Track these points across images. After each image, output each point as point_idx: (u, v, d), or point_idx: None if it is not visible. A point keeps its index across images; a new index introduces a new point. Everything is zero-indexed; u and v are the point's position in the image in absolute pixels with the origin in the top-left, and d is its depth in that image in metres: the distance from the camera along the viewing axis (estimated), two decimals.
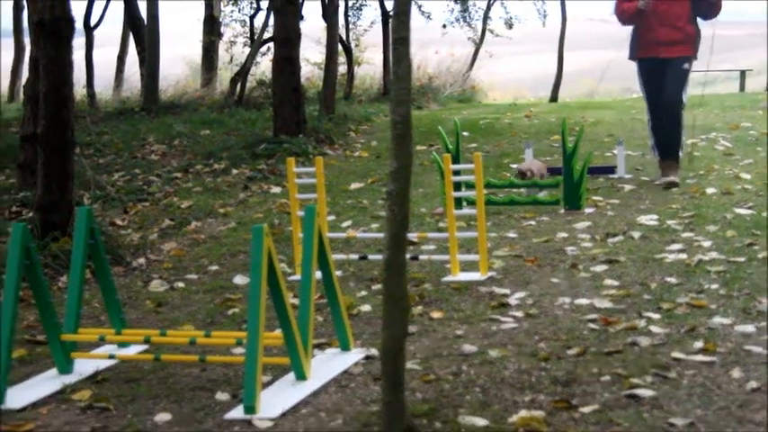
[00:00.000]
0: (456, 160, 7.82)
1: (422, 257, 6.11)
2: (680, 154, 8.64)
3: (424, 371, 4.07)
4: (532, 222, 7.43)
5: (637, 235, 6.61)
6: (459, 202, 7.73)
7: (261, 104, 17.18)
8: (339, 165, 11.06)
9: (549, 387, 3.80)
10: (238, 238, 7.30)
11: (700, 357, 4.07)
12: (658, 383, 3.78)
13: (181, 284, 5.94)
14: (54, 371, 4.26)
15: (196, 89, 20.70)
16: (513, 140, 12.39)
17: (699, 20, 8.58)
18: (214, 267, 6.41)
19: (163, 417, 3.70)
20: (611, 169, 9.06)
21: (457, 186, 6.56)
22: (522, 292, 5.34)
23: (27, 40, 17.02)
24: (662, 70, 8.46)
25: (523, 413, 3.46)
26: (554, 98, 21.62)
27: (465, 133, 12.19)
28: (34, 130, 8.14)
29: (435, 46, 23.36)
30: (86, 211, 4.45)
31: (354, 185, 9.56)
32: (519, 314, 4.90)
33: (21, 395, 3.97)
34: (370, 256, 6.08)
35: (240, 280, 5.94)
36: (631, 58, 8.61)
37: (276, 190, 9.56)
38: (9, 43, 24.38)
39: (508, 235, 7.01)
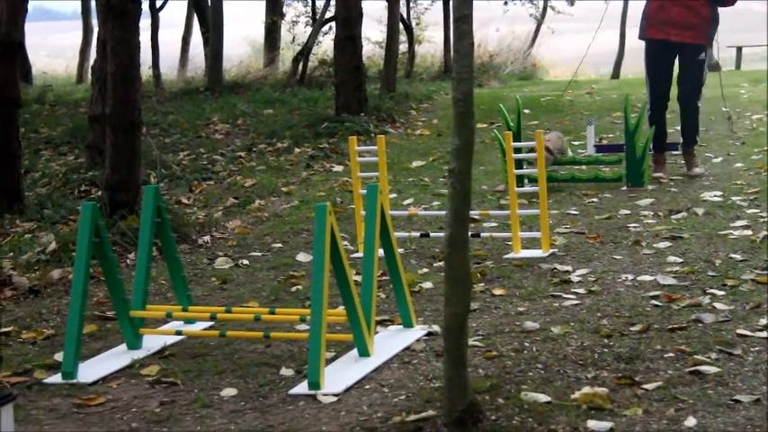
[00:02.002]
0: (517, 138, 7.79)
1: (483, 235, 6.11)
2: (697, 141, 8.11)
3: (487, 347, 4.09)
4: (594, 199, 7.38)
5: (701, 211, 6.55)
6: (520, 180, 7.71)
7: (323, 83, 17.24)
8: (400, 143, 11.08)
9: (612, 364, 3.80)
10: (301, 216, 7.37)
11: (765, 334, 4.03)
12: (723, 360, 3.76)
13: (245, 262, 6.02)
14: (123, 346, 4.35)
15: (259, 69, 20.83)
16: (574, 118, 12.30)
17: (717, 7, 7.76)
18: (278, 245, 6.48)
19: (228, 392, 3.77)
20: (674, 146, 8.96)
21: (518, 164, 6.55)
22: (585, 268, 5.32)
23: (95, 22, 17.25)
24: (670, 56, 7.75)
25: (586, 390, 3.46)
26: (616, 75, 21.38)
27: (526, 111, 12.13)
28: (102, 110, 8.28)
29: (496, 23, 23.21)
30: (153, 189, 4.53)
31: (416, 163, 9.58)
32: (581, 291, 4.89)
33: (92, 370, 4.07)
34: (432, 234, 6.10)
35: (303, 257, 6.00)
36: (640, 37, 7.86)
37: (338, 168, 9.62)
38: (78, 25, 24.74)
39: (570, 212, 6.98)
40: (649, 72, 7.83)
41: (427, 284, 5.21)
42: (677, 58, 7.76)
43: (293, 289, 5.29)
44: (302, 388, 3.75)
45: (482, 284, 5.10)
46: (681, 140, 8.09)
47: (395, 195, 7.80)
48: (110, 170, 6.75)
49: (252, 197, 8.22)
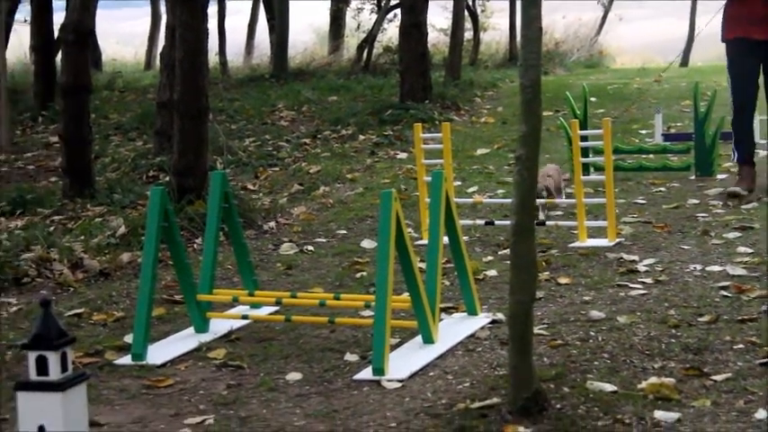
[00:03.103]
0: (584, 126, 7.73)
1: (549, 223, 6.08)
2: None
3: (552, 336, 4.07)
4: (662, 189, 7.30)
5: None
6: (586, 168, 7.65)
7: (387, 71, 17.26)
8: (465, 130, 11.05)
9: (680, 354, 3.76)
10: (366, 202, 7.39)
11: None
12: None
13: (310, 248, 6.06)
14: (191, 329, 4.41)
15: (323, 56, 20.92)
16: (642, 106, 12.16)
17: None
18: (342, 231, 6.52)
19: (294, 376, 3.80)
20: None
21: (584, 152, 6.50)
22: (652, 258, 5.27)
23: (163, 9, 17.46)
24: (753, 56, 6.87)
25: (653, 380, 3.43)
26: (685, 63, 21.08)
27: (592, 99, 12.02)
28: (170, 96, 8.39)
29: (563, 11, 23.01)
30: (221, 175, 4.58)
31: (480, 151, 9.55)
32: (648, 281, 4.84)
33: (160, 352, 4.14)
34: (497, 222, 6.08)
35: (368, 244, 6.02)
36: (723, 39, 6.99)
37: (402, 156, 9.63)
38: (146, 11, 25.04)
39: (637, 201, 6.91)
40: (732, 75, 6.95)
41: (492, 272, 5.20)
42: (764, 59, 6.90)
43: (358, 275, 5.32)
44: (367, 373, 3.77)
45: (547, 273, 5.08)
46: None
47: (459, 183, 7.79)
48: (177, 156, 6.84)
49: (317, 184, 8.27)
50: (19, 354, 4.12)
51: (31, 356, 2.36)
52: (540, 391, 3.25)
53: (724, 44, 6.96)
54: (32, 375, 2.36)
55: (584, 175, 6.11)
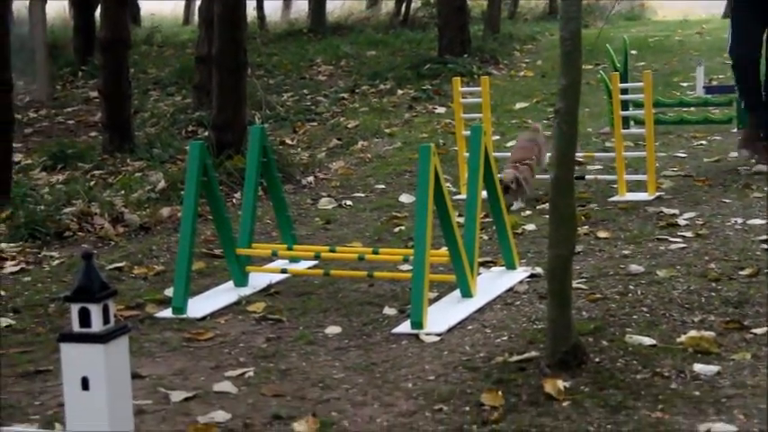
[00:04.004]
0: (624, 79, 7.63)
1: (588, 177, 6.04)
2: None
3: (590, 290, 4.06)
4: (703, 142, 7.22)
5: None
6: (626, 122, 7.57)
7: (426, 24, 17.14)
8: (503, 84, 10.97)
9: (720, 308, 3.74)
10: (404, 157, 7.38)
11: None
12: None
13: (348, 202, 6.07)
14: (230, 283, 4.44)
15: (361, 10, 20.80)
16: (683, 58, 12.00)
17: None
18: (380, 186, 6.51)
19: (333, 329, 3.83)
20: None
21: (625, 105, 6.43)
22: (692, 212, 5.22)
23: None
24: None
25: (693, 333, 3.41)
26: (727, 15, 20.71)
27: (633, 52, 11.86)
28: (209, 51, 8.39)
29: None
30: (259, 129, 4.59)
31: (519, 105, 9.48)
32: (688, 234, 4.80)
33: (200, 305, 4.17)
34: (536, 176, 6.04)
35: (406, 198, 6.01)
36: None
37: (441, 110, 9.58)
38: None
39: (677, 155, 6.84)
40: (735, 19, 6.27)
41: (530, 226, 5.19)
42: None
43: (396, 230, 5.32)
44: (405, 327, 3.78)
45: (586, 227, 5.05)
46: None
47: (498, 137, 7.74)
48: (216, 110, 6.86)
49: (355, 138, 8.26)
50: (62, 306, 4.18)
51: (74, 309, 2.39)
52: (579, 344, 3.25)
53: None
54: (75, 327, 2.39)
55: (624, 128, 6.05)
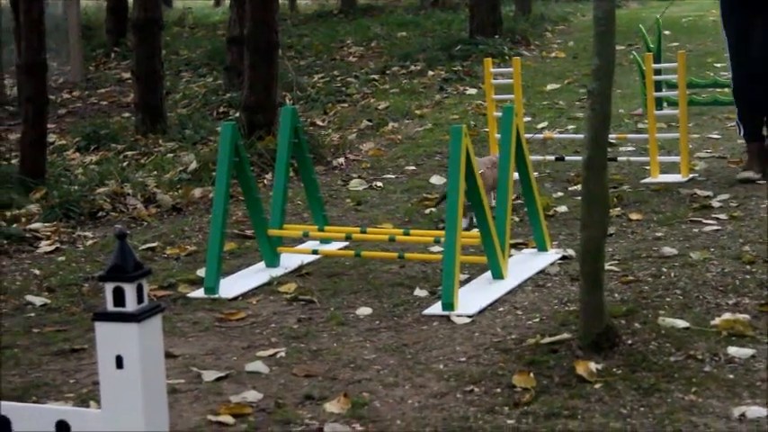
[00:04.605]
0: (657, 59, 7.56)
1: (621, 159, 6.00)
2: None
3: (623, 272, 4.04)
4: None
5: None
6: (659, 103, 7.51)
7: (457, 5, 17.07)
8: (535, 65, 10.92)
9: (755, 290, 3.71)
10: (434, 138, 7.36)
11: None
12: None
13: (379, 184, 6.07)
14: (262, 264, 4.46)
15: None
16: (717, 38, 11.86)
17: None
18: (411, 167, 6.51)
19: (364, 311, 3.83)
20: None
21: (658, 86, 6.37)
22: (726, 194, 5.18)
23: None
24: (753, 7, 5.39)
25: (727, 316, 3.39)
26: None
27: (666, 32, 11.76)
28: (240, 32, 8.41)
29: None
30: (291, 110, 4.59)
31: (550, 86, 9.43)
32: (722, 216, 4.77)
33: (232, 286, 4.19)
34: (567, 158, 6.02)
35: (437, 180, 6.00)
36: None
37: (472, 91, 9.55)
38: None
39: (711, 136, 6.78)
40: (728, 23, 5.49)
41: (562, 208, 5.16)
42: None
43: (427, 211, 5.31)
44: (436, 308, 3.78)
45: (618, 209, 5.02)
46: None
47: (529, 119, 7.71)
48: (248, 91, 6.87)
49: (385, 120, 8.25)
50: (96, 286, 4.21)
51: (108, 287, 2.40)
52: (611, 326, 3.23)
53: None
54: (109, 306, 2.40)
55: (657, 109, 6.00)
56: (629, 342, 3.25)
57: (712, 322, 3.38)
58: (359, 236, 4.40)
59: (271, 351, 3.45)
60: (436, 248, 4.40)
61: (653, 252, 4.28)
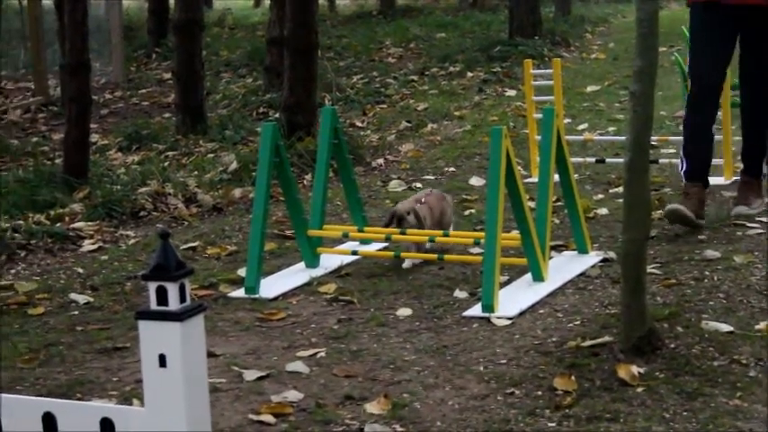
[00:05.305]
0: None
1: (662, 161, 5.95)
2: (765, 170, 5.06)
3: (665, 275, 4.00)
4: None
5: None
6: None
7: (496, 6, 17.02)
8: (575, 67, 10.86)
9: None
10: (473, 140, 7.35)
11: None
12: None
13: (418, 185, 6.06)
14: (301, 264, 4.47)
15: None
16: None
17: None
18: (450, 169, 6.50)
19: (404, 311, 3.83)
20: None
21: None
22: None
23: None
24: (728, 27, 4.70)
25: None
26: None
27: None
28: (280, 33, 8.44)
29: None
30: (331, 111, 4.60)
31: (591, 88, 9.38)
32: (766, 220, 4.71)
33: (272, 286, 4.21)
34: (608, 160, 5.98)
35: (476, 181, 5.99)
36: (688, 3, 4.82)
37: (511, 93, 9.52)
38: None
39: None
40: (694, 51, 4.75)
41: (602, 210, 5.13)
42: (741, 32, 4.77)
43: (466, 212, 5.31)
44: (476, 310, 3.77)
45: (660, 212, 4.98)
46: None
47: (569, 120, 7.67)
48: (287, 92, 6.90)
49: (424, 121, 8.24)
50: (138, 284, 4.25)
51: (152, 287, 2.42)
52: (654, 330, 3.21)
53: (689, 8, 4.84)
54: (153, 305, 2.42)
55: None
56: (672, 346, 3.22)
57: (756, 326, 3.35)
58: (399, 237, 4.40)
59: (311, 351, 3.46)
60: (476, 250, 4.39)
61: (695, 255, 4.24)
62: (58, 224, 5.22)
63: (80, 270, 4.61)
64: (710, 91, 4.74)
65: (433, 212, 4.52)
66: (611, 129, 7.35)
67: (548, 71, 6.28)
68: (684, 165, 4.84)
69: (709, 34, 4.69)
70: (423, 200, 4.57)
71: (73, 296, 4.20)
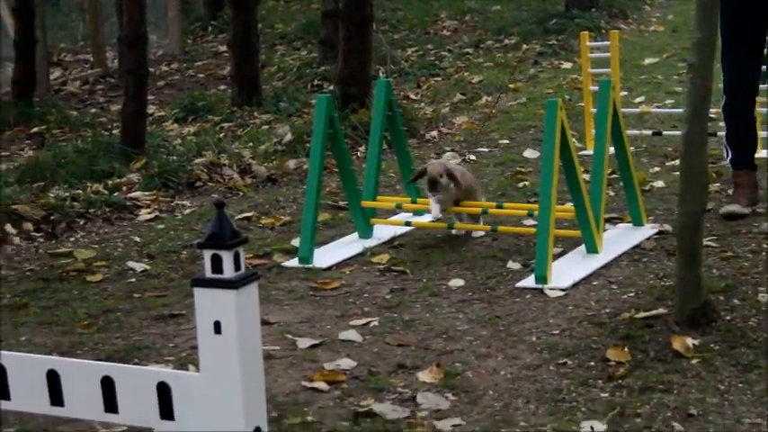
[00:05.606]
0: None
1: (720, 134, 5.86)
2: None
3: (722, 248, 3.96)
4: None
5: None
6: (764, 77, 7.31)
7: None
8: (632, 39, 10.73)
9: None
10: (528, 113, 7.30)
11: None
12: None
13: (472, 157, 6.05)
14: (355, 235, 4.49)
15: None
16: None
17: None
18: (504, 141, 6.47)
19: (456, 282, 3.84)
20: None
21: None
22: None
23: None
24: (761, 14, 4.49)
25: None
26: None
27: None
28: (335, 5, 8.43)
29: None
30: (385, 83, 4.60)
31: (648, 60, 9.26)
32: None
33: (326, 256, 4.24)
34: (665, 132, 5.92)
35: (530, 154, 5.96)
36: None
37: (567, 65, 9.43)
38: None
39: None
40: (726, 43, 4.52)
41: (659, 183, 5.09)
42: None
43: (520, 185, 5.29)
44: (529, 281, 3.77)
45: (717, 185, 4.93)
46: None
47: (626, 93, 7.58)
48: (342, 64, 6.90)
49: (479, 93, 8.20)
50: (193, 253, 4.30)
51: (207, 255, 2.44)
52: (709, 302, 3.19)
53: None
54: (208, 273, 2.45)
55: (762, 84, 5.83)
56: (728, 318, 3.20)
57: None
58: (452, 208, 4.40)
59: (364, 320, 3.48)
60: (530, 222, 4.37)
61: (753, 228, 4.19)
62: (116, 194, 5.30)
63: (137, 239, 4.67)
64: (745, 76, 4.58)
65: (464, 175, 4.29)
66: (668, 101, 7.26)
67: (605, 43, 6.21)
68: (729, 153, 4.71)
69: (740, 18, 4.46)
70: (444, 172, 4.21)
71: (130, 264, 4.26)
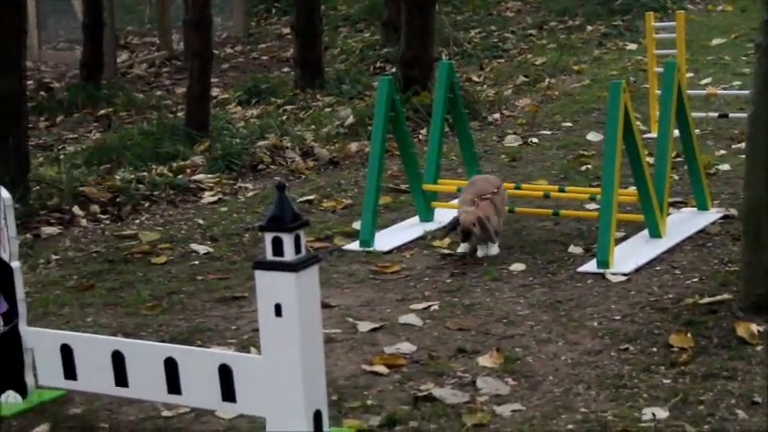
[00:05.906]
0: None
1: None
2: None
3: None
4: None
5: None
6: None
7: None
8: (699, 20, 10.54)
9: None
10: (592, 95, 7.23)
11: None
12: None
13: (534, 140, 6.01)
14: (416, 218, 4.49)
15: None
16: None
17: None
18: (567, 124, 6.42)
19: (517, 266, 3.83)
20: None
21: None
22: None
23: None
24: None
25: None
26: None
27: None
28: None
29: None
30: (447, 65, 4.59)
31: (716, 41, 9.10)
32: None
33: (387, 239, 4.25)
34: (731, 114, 5.82)
35: (593, 137, 5.90)
36: None
37: (632, 47, 9.30)
38: None
39: None
40: None
41: (724, 166, 5.01)
42: None
43: (582, 168, 5.24)
44: (591, 266, 3.74)
45: None
46: None
47: (692, 74, 7.47)
48: (404, 46, 6.89)
49: (542, 75, 8.13)
50: (255, 236, 4.34)
51: (268, 237, 2.47)
52: None
53: None
54: (269, 255, 2.47)
55: None
56: None
57: None
58: (513, 192, 4.38)
59: (424, 304, 3.49)
60: (592, 206, 4.34)
61: None
62: (180, 176, 5.36)
63: (200, 221, 4.73)
64: None
65: (496, 207, 4.04)
66: (735, 83, 7.13)
67: (671, 24, 6.12)
68: None
69: None
70: (478, 201, 4.01)
71: (193, 246, 4.32)
